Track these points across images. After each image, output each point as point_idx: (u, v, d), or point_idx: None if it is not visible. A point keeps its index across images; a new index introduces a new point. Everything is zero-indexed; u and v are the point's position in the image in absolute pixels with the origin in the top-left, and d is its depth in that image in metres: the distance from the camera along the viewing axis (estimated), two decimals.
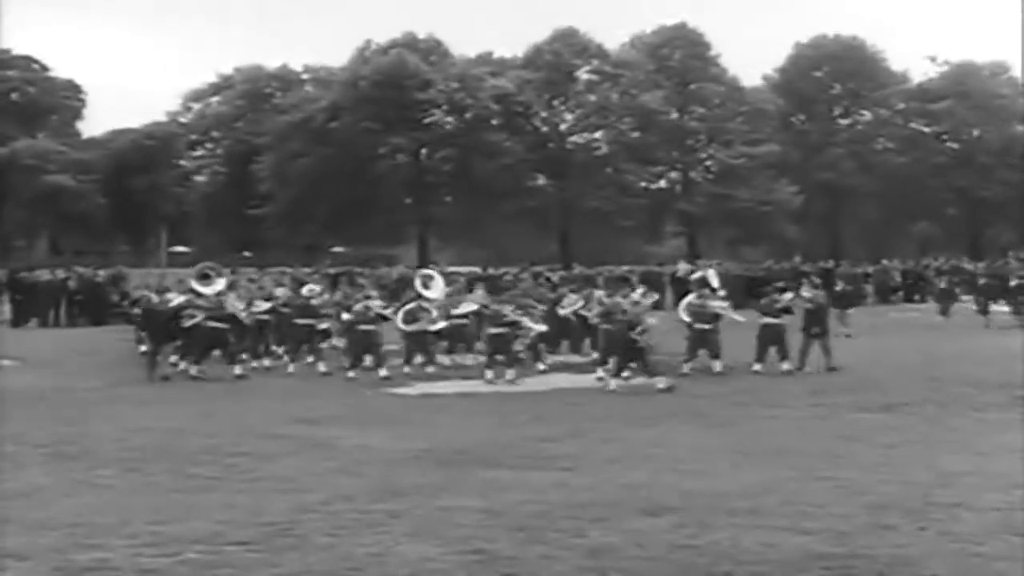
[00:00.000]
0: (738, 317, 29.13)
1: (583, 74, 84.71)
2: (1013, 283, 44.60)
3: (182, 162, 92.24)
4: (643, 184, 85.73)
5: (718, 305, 28.96)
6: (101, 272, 53.02)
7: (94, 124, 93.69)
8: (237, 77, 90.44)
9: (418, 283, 30.65)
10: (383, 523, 12.90)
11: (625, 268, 61.13)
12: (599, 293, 31.68)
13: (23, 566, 11.37)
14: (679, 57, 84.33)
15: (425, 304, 29.54)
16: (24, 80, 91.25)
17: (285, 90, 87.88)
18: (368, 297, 30.48)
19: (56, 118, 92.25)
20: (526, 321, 28.13)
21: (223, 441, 18.60)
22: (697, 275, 32.49)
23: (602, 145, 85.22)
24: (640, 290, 30.60)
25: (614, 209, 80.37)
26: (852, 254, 75.20)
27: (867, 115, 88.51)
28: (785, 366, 27.93)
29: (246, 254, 78.87)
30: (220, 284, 30.10)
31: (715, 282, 30.86)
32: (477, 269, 61.50)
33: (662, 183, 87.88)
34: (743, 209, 79.96)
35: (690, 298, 29.45)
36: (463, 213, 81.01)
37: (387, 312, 29.74)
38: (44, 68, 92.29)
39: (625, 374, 26.22)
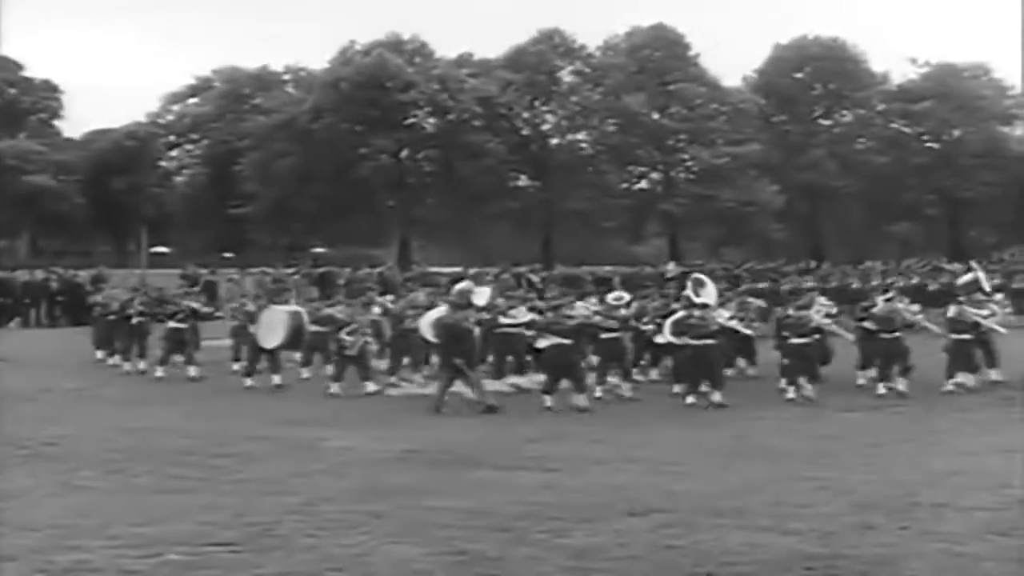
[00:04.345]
0: (1001, 329, 26.11)
1: (565, 75, 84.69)
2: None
3: (162, 163, 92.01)
4: (625, 185, 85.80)
5: (977, 313, 25.84)
6: (81, 273, 52.93)
7: (71, 125, 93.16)
8: (216, 78, 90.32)
9: (689, 290, 26.62)
10: (366, 524, 12.88)
11: (608, 269, 61.15)
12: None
13: (4, 567, 11.33)
14: (659, 58, 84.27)
15: (699, 313, 24.87)
16: (3, 80, 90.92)
17: (265, 91, 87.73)
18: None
19: (35, 119, 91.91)
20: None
21: (206, 442, 18.58)
22: (967, 278, 30.09)
23: (584, 146, 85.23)
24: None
25: (596, 210, 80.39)
26: (833, 255, 75.21)
27: (848, 116, 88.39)
28: None
29: (227, 255, 78.70)
30: (486, 294, 27.93)
31: (987, 285, 28.66)
32: (459, 269, 61.45)
33: (644, 184, 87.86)
34: (725, 210, 79.88)
35: (958, 306, 26.46)
36: (445, 214, 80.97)
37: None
38: (19, 67, 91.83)
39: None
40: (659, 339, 26.25)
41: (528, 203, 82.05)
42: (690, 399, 23.86)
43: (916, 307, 28.67)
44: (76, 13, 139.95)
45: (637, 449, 18.09)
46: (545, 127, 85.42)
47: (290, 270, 57.41)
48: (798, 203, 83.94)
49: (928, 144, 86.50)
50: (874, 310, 26.34)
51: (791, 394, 24.26)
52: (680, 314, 25.40)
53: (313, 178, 78.15)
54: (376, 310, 29.05)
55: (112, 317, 32.04)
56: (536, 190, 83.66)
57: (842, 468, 16.28)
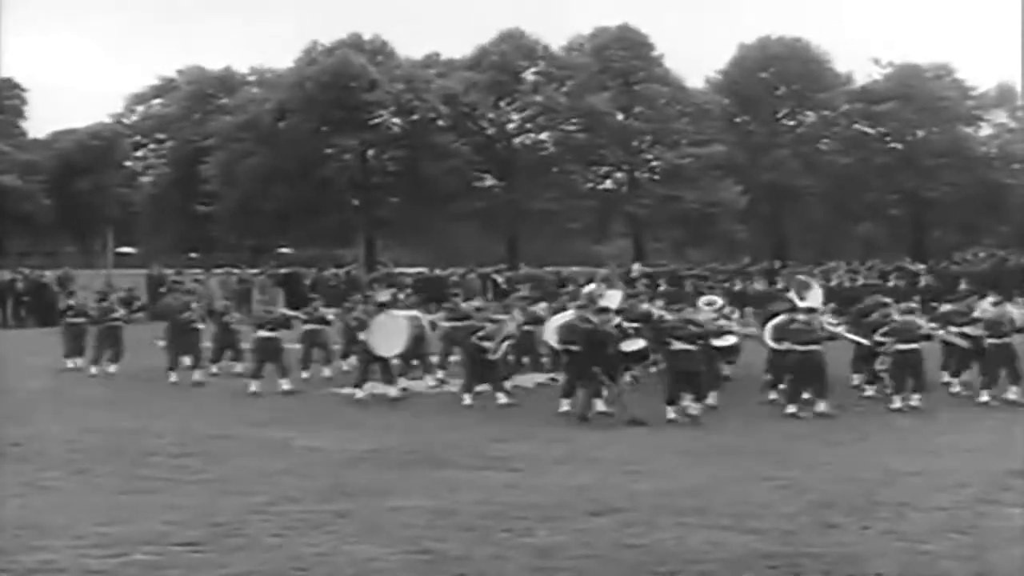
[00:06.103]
0: None
1: (529, 75, 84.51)
2: None
3: (128, 163, 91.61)
4: (589, 185, 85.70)
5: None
6: (47, 273, 52.74)
7: (35, 125, 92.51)
8: (180, 79, 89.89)
9: (793, 293, 25.58)
10: (331, 523, 12.92)
11: (573, 269, 61.23)
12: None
13: None
14: (623, 58, 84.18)
15: (804, 317, 23.36)
16: None
17: (230, 91, 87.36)
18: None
19: (1, 118, 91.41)
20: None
21: (172, 442, 18.57)
22: None
23: (549, 146, 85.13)
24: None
25: (561, 210, 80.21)
26: (797, 255, 75.33)
27: (812, 116, 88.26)
28: None
29: (193, 255, 78.46)
30: (616, 297, 26.69)
31: None
32: (424, 270, 61.49)
33: (608, 184, 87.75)
34: (689, 210, 79.80)
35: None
36: (410, 214, 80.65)
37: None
38: None
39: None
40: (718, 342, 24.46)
41: (493, 203, 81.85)
42: (791, 408, 22.43)
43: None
44: (38, 13, 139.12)
45: (598, 449, 18.18)
46: (510, 127, 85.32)
47: (255, 270, 57.27)
48: (762, 203, 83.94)
49: (891, 145, 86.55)
50: (980, 314, 25.33)
51: (898, 403, 23.03)
52: (782, 318, 24.17)
53: (278, 178, 77.82)
54: (517, 315, 27.07)
55: (190, 324, 29.24)
56: (501, 190, 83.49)
57: (803, 467, 16.39)
